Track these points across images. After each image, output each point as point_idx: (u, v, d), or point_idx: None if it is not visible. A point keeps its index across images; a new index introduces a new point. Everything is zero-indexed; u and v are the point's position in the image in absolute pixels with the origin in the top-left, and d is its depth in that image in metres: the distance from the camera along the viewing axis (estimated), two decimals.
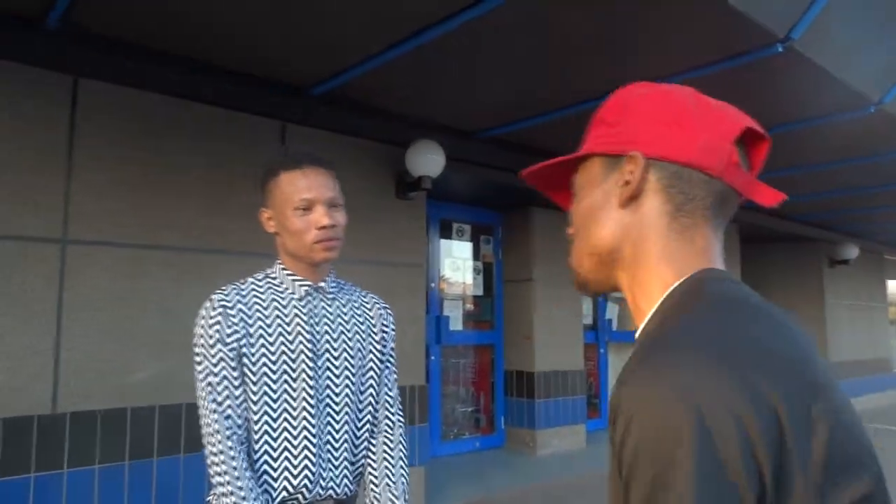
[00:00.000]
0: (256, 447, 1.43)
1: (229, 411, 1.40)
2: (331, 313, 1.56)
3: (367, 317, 1.63)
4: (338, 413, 1.51)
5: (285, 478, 1.44)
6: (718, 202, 0.75)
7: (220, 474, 1.36)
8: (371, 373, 1.60)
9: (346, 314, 1.58)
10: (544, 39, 3.49)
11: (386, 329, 1.67)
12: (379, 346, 1.64)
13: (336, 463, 1.50)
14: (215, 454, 1.37)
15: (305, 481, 1.45)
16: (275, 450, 1.44)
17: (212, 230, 3.89)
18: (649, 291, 0.75)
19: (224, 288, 1.50)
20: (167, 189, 3.78)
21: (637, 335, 0.75)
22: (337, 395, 1.51)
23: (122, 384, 3.49)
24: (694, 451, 0.55)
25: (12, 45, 3.28)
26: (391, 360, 1.68)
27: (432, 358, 6.32)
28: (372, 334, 1.63)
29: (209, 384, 1.41)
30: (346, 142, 4.60)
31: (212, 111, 3.98)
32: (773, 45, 3.40)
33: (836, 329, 10.17)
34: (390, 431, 1.64)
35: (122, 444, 3.46)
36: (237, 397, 1.42)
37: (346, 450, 1.53)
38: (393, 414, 1.65)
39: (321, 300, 1.56)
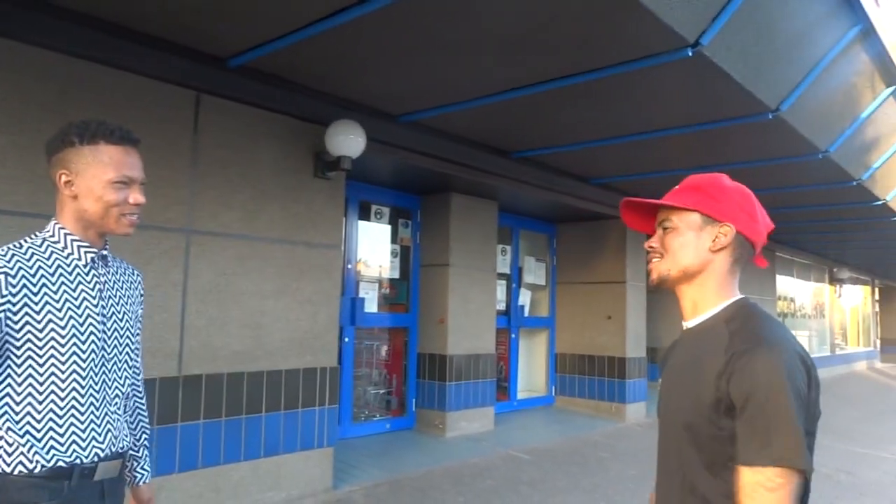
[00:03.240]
0: (41, 408, 1.48)
1: None
2: (110, 280, 1.65)
3: (132, 283, 1.76)
4: (120, 372, 1.64)
5: (73, 441, 1.51)
6: (746, 259, 1.41)
7: None
8: (138, 335, 1.76)
9: (119, 281, 1.70)
10: (468, 28, 3.51)
11: (142, 294, 1.83)
12: (139, 310, 1.79)
13: (120, 419, 1.65)
14: None
15: (93, 440, 1.54)
16: (61, 409, 1.50)
17: None
18: (709, 302, 1.38)
19: (2, 251, 1.48)
20: None
21: (697, 323, 1.39)
22: (120, 356, 1.64)
23: None
24: (788, 385, 1.17)
25: None
26: (141, 321, 1.85)
27: (346, 339, 6.29)
28: (136, 299, 1.77)
29: None
30: (263, 116, 4.48)
31: (123, 76, 3.76)
32: (684, 49, 3.56)
33: None
34: (140, 387, 1.86)
35: None
36: None
37: (124, 406, 1.69)
38: (139, 373, 1.85)
39: (102, 266, 1.63)
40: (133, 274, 1.78)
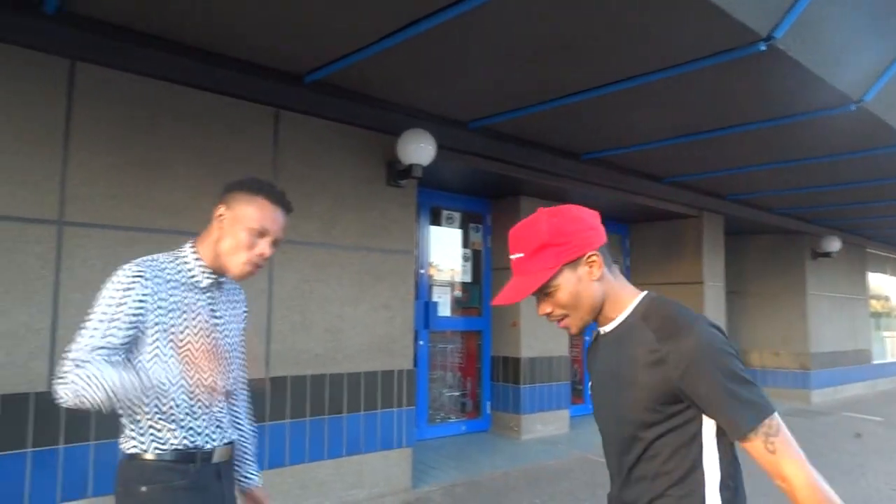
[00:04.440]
0: (162, 400, 1.70)
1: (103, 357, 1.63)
2: (221, 299, 1.88)
3: (238, 302, 1.98)
4: (228, 376, 1.85)
5: (190, 428, 1.72)
6: (611, 253, 1.49)
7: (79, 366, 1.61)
8: (241, 347, 1.96)
9: (230, 301, 1.92)
10: (535, 34, 3.57)
11: (246, 312, 2.03)
12: (244, 325, 2.01)
13: (226, 413, 1.85)
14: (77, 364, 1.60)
15: (206, 430, 1.75)
16: (178, 406, 1.70)
17: (203, 214, 3.94)
18: (617, 309, 1.47)
19: (140, 261, 1.72)
20: (161, 173, 3.84)
21: (614, 327, 1.48)
22: (228, 362, 1.85)
23: None
24: (731, 348, 1.32)
25: (10, 28, 3.32)
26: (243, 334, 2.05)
27: (420, 343, 6.43)
28: (240, 315, 1.98)
29: (97, 334, 1.63)
30: (338, 129, 4.67)
31: (207, 97, 4.03)
32: (757, 44, 3.49)
33: (817, 320, 10.33)
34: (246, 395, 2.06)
35: (115, 421, 3.54)
36: (112, 353, 1.64)
37: (227, 406, 1.89)
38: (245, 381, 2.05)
39: (217, 290, 1.86)
40: (239, 293, 2.00)
